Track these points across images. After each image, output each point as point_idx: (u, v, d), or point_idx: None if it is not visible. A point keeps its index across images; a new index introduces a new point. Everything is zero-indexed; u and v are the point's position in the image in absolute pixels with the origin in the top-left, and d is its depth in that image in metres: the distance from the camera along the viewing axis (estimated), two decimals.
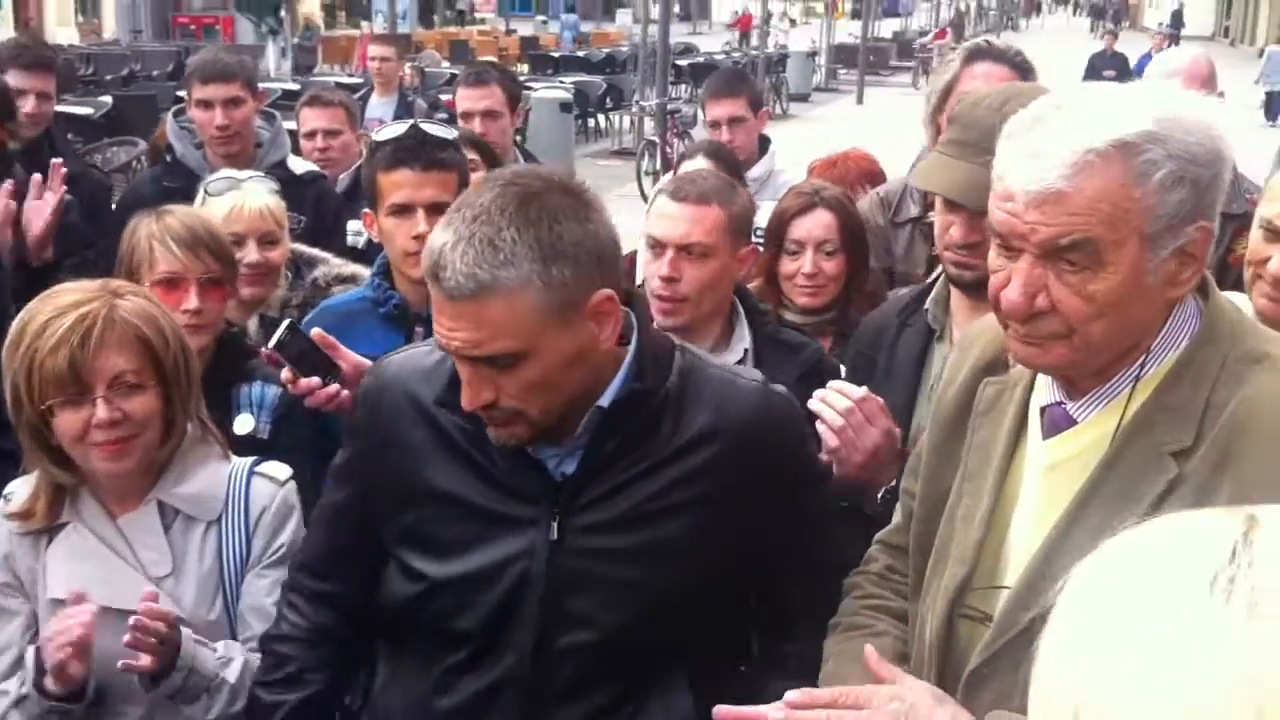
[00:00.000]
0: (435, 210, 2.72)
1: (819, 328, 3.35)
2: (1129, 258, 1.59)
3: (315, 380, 2.71)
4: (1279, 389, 1.61)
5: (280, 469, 2.48)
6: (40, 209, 3.75)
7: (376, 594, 2.15)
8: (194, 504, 2.38)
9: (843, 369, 2.76)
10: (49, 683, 2.22)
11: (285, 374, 2.77)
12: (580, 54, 29.86)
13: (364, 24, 27.07)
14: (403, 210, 2.95)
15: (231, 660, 2.30)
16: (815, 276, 3.34)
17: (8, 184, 3.75)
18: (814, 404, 2.40)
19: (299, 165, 4.65)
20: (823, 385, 2.62)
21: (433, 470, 2.02)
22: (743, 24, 44.84)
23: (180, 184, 4.08)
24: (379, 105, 7.87)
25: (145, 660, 2.18)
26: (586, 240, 1.84)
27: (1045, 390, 1.78)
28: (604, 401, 1.95)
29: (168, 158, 4.58)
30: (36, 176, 3.83)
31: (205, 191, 3.41)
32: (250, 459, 2.48)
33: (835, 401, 2.38)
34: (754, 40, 37.67)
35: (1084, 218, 1.56)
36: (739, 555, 2.04)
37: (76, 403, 2.23)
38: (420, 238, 2.72)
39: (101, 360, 2.22)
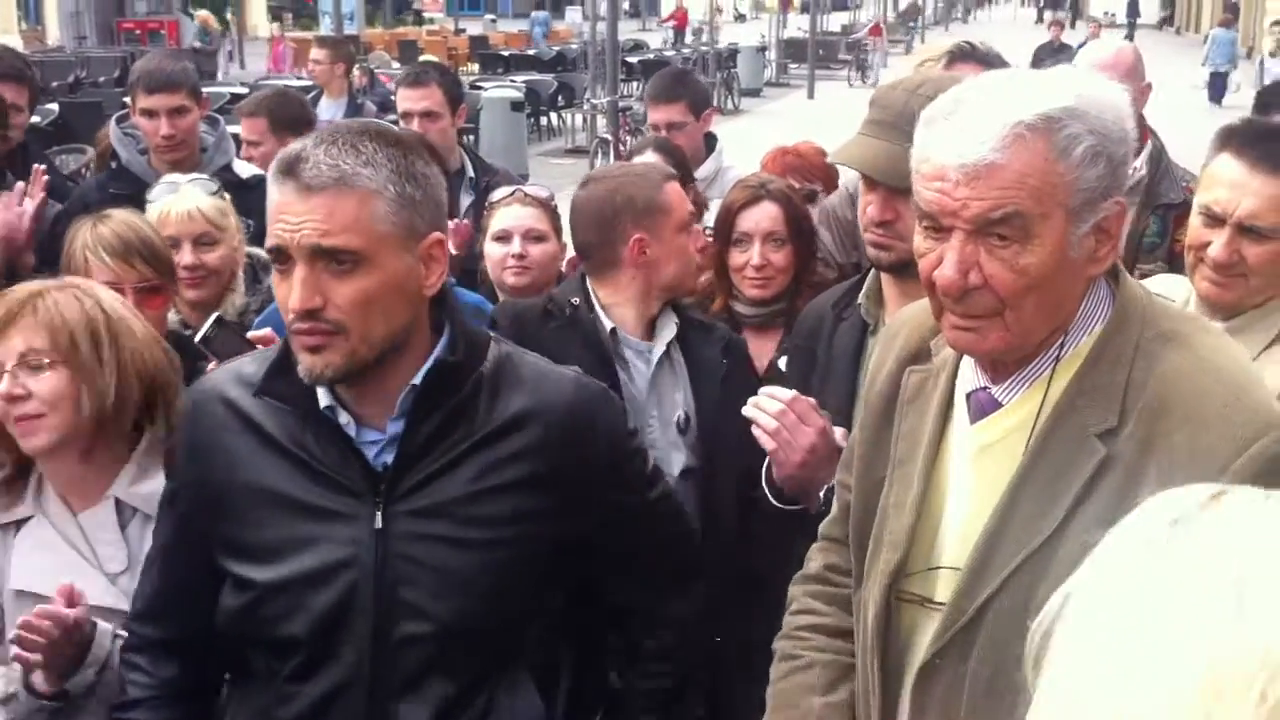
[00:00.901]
0: None
1: (769, 319, 3.39)
2: (1055, 231, 1.63)
3: None
4: (1189, 366, 1.66)
5: None
6: (22, 215, 3.75)
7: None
8: (150, 502, 2.39)
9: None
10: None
11: (211, 367, 2.79)
12: (530, 52, 29.82)
13: (273, 26, 26.68)
14: None
15: None
16: (764, 268, 3.37)
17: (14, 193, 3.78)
18: (748, 410, 2.44)
19: (245, 169, 4.62)
20: (735, 359, 2.91)
21: (256, 472, 2.00)
22: (678, 20, 44.93)
23: (126, 190, 4.06)
24: (328, 107, 7.81)
25: (34, 657, 2.18)
26: (433, 179, 1.96)
27: (970, 376, 1.82)
28: (417, 380, 1.97)
29: (113, 164, 4.55)
30: (19, 185, 3.82)
31: (148, 199, 3.44)
32: None
33: (767, 405, 2.43)
34: (689, 37, 37.78)
35: (1013, 191, 1.60)
36: (564, 541, 2.07)
37: None
38: None
39: (6, 341, 2.31)
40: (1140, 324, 1.71)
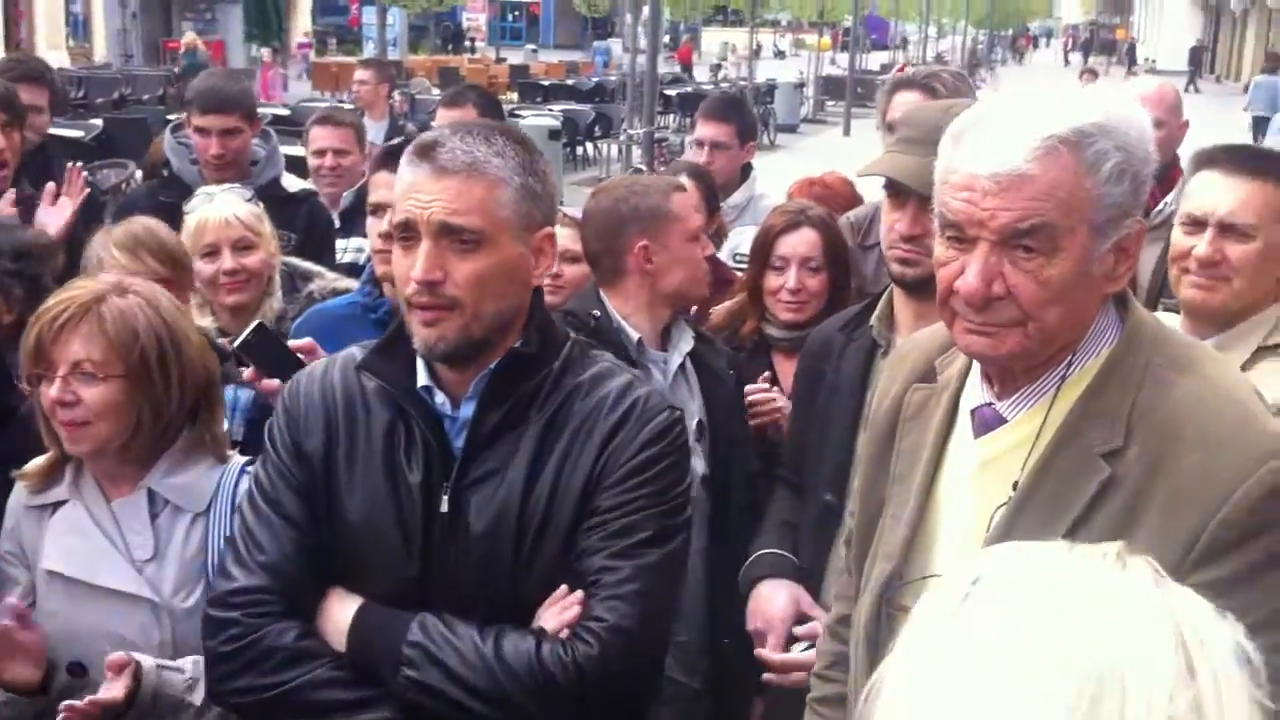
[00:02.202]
0: None
1: (801, 343, 3.42)
2: (1079, 245, 1.65)
3: (278, 382, 2.76)
4: (1203, 392, 1.67)
5: None
6: (58, 214, 3.83)
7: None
8: (182, 494, 2.47)
9: None
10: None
11: (248, 373, 2.83)
12: (569, 82, 30.03)
13: (264, 50, 26.90)
14: (378, 210, 3.08)
15: (198, 682, 2.30)
16: (799, 292, 3.42)
17: (9, 195, 3.82)
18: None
19: (292, 184, 4.73)
20: (736, 372, 3.16)
21: (348, 443, 2.11)
22: (682, 55, 45.25)
23: (175, 199, 4.14)
24: (371, 128, 7.95)
25: None
26: (551, 178, 2.14)
27: (975, 392, 1.83)
28: (493, 364, 2.07)
29: (164, 172, 4.65)
30: (50, 185, 3.91)
31: (184, 210, 3.57)
32: (245, 458, 2.55)
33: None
34: (704, 73, 37.97)
35: (1042, 203, 1.62)
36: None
37: (48, 379, 2.35)
38: (386, 236, 2.71)
39: (64, 345, 2.34)
40: (1150, 348, 1.72)
